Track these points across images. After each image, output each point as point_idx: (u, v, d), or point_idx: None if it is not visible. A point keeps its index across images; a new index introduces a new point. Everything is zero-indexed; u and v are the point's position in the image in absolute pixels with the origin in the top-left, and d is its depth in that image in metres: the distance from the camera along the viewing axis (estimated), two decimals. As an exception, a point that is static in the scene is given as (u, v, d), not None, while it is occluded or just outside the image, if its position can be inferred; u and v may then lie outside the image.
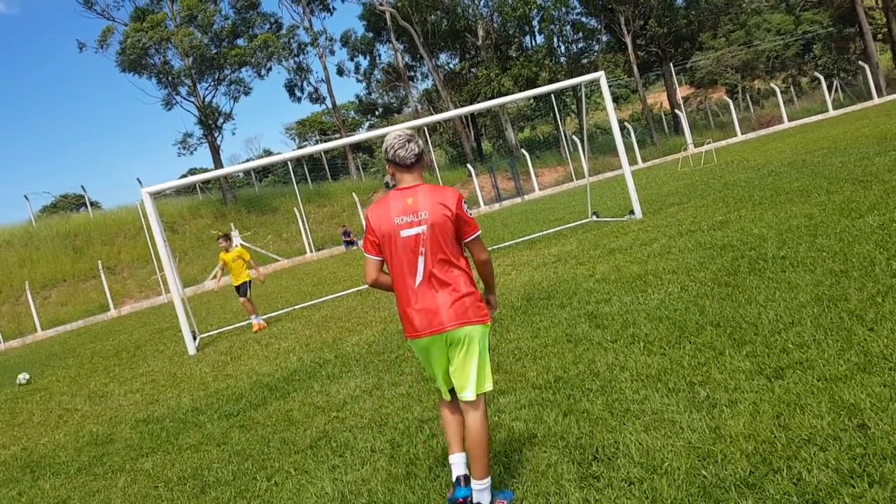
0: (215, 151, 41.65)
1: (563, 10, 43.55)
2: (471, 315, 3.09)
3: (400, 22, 44.32)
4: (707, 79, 50.94)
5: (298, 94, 49.41)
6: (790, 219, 8.03)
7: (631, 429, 3.52)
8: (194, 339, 11.29)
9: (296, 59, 47.00)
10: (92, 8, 39.82)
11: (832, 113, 38.34)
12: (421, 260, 3.07)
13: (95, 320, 27.92)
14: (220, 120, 41.22)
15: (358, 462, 4.12)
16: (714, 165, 21.94)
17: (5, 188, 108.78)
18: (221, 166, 41.02)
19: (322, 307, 12.18)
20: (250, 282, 12.18)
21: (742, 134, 39.77)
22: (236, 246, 13.61)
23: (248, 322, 12.17)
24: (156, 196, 12.36)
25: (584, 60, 46.39)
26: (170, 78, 39.72)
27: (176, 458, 5.21)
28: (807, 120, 38.82)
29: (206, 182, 43.89)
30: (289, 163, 42.90)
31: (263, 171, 60.67)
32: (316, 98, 49.97)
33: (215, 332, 12.82)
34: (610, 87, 21.02)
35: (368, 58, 51.75)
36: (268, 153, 70.35)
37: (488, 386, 3.17)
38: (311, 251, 33.48)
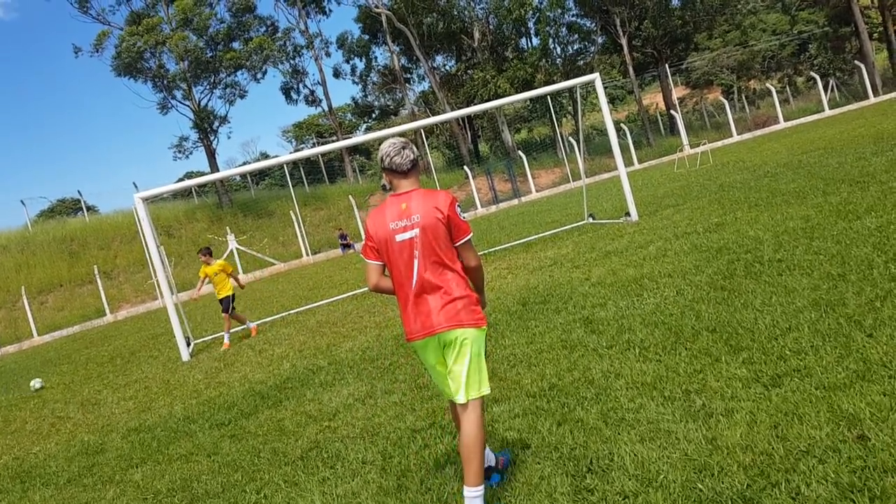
0: (211, 155, 41.56)
1: (559, 11, 43.53)
2: (463, 318, 3.10)
3: (396, 24, 44.29)
4: (703, 79, 51.07)
5: (295, 96, 49.40)
6: (786, 221, 7.97)
7: (626, 439, 3.45)
8: (188, 345, 11.20)
9: (291, 61, 46.98)
10: (87, 12, 39.76)
11: (828, 113, 38.36)
12: (415, 263, 3.11)
13: (91, 325, 27.80)
14: (216, 123, 41.14)
15: (348, 474, 4.04)
16: (710, 166, 21.91)
17: (1, 193, 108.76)
18: (217, 170, 40.92)
19: (317, 312, 12.10)
20: (234, 296, 11.62)
21: (738, 134, 39.76)
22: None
23: (241, 328, 12.05)
24: (151, 200, 12.29)
25: (580, 62, 46.35)
26: (165, 82, 39.63)
27: (166, 469, 5.13)
28: (803, 120, 38.84)
29: (203, 186, 43.77)
30: (285, 166, 42.84)
31: (260, 175, 60.54)
32: (312, 101, 49.95)
33: (209, 337, 12.73)
34: (606, 88, 20.99)
35: (364, 60, 51.68)
36: (264, 156, 70.33)
37: (484, 390, 3.14)
38: (307, 255, 33.40)
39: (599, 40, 46.77)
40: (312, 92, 49.42)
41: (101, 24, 40.12)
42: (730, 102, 45.08)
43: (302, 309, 13.03)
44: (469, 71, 47.47)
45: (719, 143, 37.53)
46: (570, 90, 36.45)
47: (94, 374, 11.75)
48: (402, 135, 15.56)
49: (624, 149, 35.99)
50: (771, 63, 51.20)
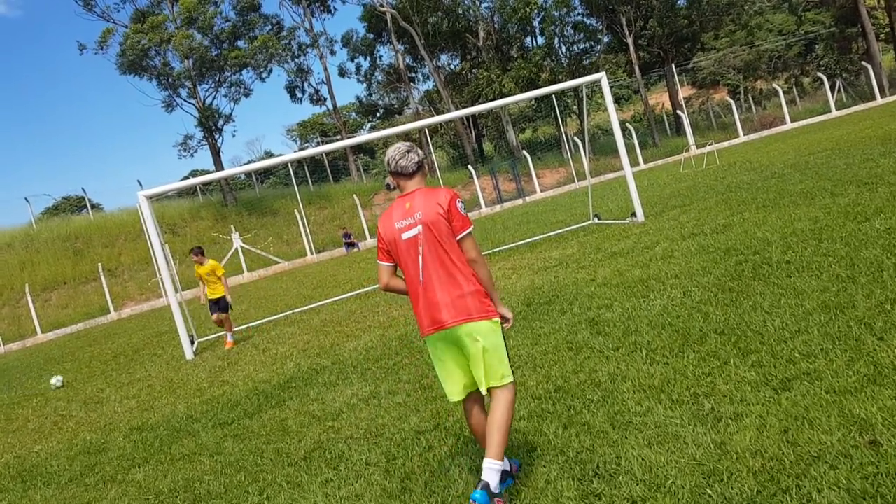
0: (216, 153, 41.61)
1: (565, 10, 43.43)
2: (472, 311, 3.15)
3: (400, 23, 44.25)
4: (709, 79, 50.88)
5: (299, 95, 49.41)
6: (794, 222, 7.90)
7: (633, 443, 3.40)
8: (192, 343, 11.19)
9: (296, 60, 46.99)
10: (92, 10, 39.84)
11: (835, 113, 38.20)
12: (420, 259, 3.18)
13: (95, 323, 27.86)
14: (221, 122, 41.18)
15: (352, 476, 4.00)
16: (716, 167, 21.81)
17: (6, 191, 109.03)
18: (222, 168, 40.97)
19: (321, 311, 12.07)
20: (225, 297, 11.31)
21: (744, 135, 39.63)
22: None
23: (245, 325, 12.04)
24: (156, 198, 12.27)
25: (586, 61, 46.26)
26: (170, 80, 39.68)
27: (168, 469, 5.11)
28: (809, 121, 38.69)
29: (207, 184, 43.84)
30: (290, 165, 42.86)
31: (264, 173, 60.64)
32: (317, 99, 49.98)
33: (213, 336, 12.72)
34: (611, 87, 20.92)
35: (369, 59, 51.72)
36: (269, 155, 70.36)
37: (506, 380, 3.19)
38: (311, 253, 33.40)
39: (605, 39, 46.67)
40: (317, 91, 49.49)
41: (106, 22, 40.26)
42: (736, 102, 44.94)
43: (306, 308, 13.01)
44: (474, 70, 47.43)
45: (726, 144, 37.40)
46: (576, 90, 36.34)
47: (97, 372, 11.74)
48: (406, 133, 15.56)
49: (630, 149, 35.91)
50: (777, 63, 50.98)
